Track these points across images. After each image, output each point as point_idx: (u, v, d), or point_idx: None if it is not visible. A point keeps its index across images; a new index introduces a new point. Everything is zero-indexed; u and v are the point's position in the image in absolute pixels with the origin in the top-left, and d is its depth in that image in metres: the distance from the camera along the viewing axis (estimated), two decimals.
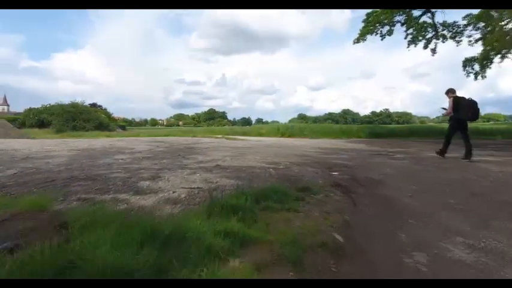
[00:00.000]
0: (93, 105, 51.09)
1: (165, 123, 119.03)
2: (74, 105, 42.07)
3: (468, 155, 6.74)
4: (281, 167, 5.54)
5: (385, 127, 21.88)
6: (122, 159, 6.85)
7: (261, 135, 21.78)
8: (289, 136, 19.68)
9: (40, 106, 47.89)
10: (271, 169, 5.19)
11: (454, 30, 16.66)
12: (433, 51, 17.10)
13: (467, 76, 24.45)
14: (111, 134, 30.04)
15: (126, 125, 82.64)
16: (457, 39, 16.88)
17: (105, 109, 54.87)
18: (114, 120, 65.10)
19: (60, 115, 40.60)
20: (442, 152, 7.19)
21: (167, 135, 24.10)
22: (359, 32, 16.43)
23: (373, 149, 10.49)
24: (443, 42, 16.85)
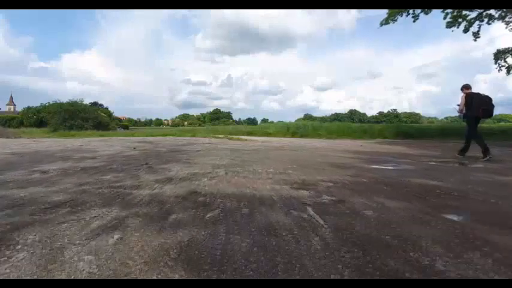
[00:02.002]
0: (94, 104, 48.65)
1: (170, 124, 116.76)
2: (72, 104, 39.55)
3: (486, 152, 6.14)
4: (326, 199, 2.58)
5: (412, 126, 18.72)
6: (44, 171, 3.99)
7: (268, 135, 18.86)
8: (301, 136, 16.72)
9: (39, 105, 45.64)
10: (308, 206, 2.26)
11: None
12: (476, 35, 14.04)
13: (499, 70, 21.36)
14: (106, 133, 27.27)
15: (130, 125, 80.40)
16: (507, 19, 13.77)
17: (107, 108, 52.41)
18: (115, 119, 62.95)
19: (58, 114, 38.19)
20: (462, 151, 6.69)
21: (165, 135, 21.38)
22: (388, 12, 13.44)
23: (427, 153, 7.49)
24: (489, 23, 13.77)
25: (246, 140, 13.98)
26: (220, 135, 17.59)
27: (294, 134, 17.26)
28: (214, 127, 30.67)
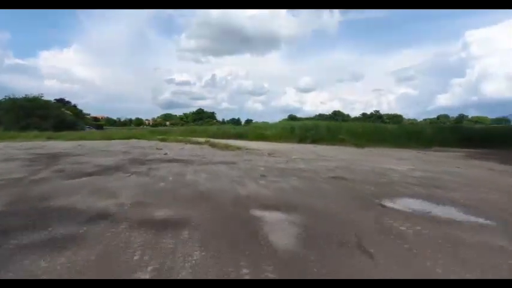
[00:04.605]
0: (60, 100, 41.53)
1: (151, 123, 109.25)
2: (29, 100, 32.67)
3: None
4: None
5: (472, 129, 13.39)
6: None
7: (264, 138, 13.50)
8: (313, 142, 11.43)
9: None
10: None
11: None
12: None
13: None
14: (58, 135, 20.77)
15: (107, 125, 72.82)
16: None
17: (75, 106, 45.30)
18: (88, 118, 55.86)
19: (11, 111, 31.25)
20: None
21: (129, 138, 15.65)
22: None
23: None
24: None
25: (239, 148, 8.57)
26: (200, 139, 12.09)
27: (302, 139, 11.92)
28: (194, 127, 24.83)
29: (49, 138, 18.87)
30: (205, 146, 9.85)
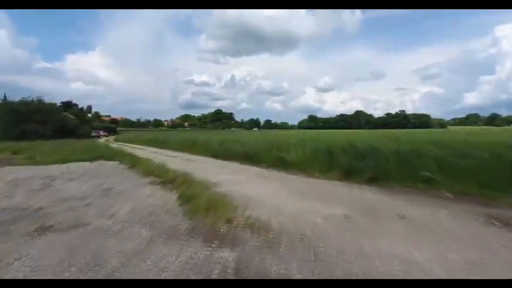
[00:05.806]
0: (66, 103, 38.19)
1: (170, 124, 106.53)
2: (25, 103, 29.35)
3: None
4: None
5: None
6: None
7: (285, 165, 8.66)
8: (370, 181, 6.27)
9: None
10: None
11: None
12: None
13: None
14: (24, 148, 16.75)
15: (126, 127, 70.03)
16: None
17: (82, 109, 41.93)
18: (104, 120, 52.94)
19: (6, 116, 27.94)
20: None
21: (97, 158, 11.30)
22: None
23: None
24: None
25: (229, 221, 3.57)
26: (182, 167, 7.08)
27: (348, 173, 6.85)
28: (195, 138, 19.94)
29: (14, 152, 14.92)
30: (173, 196, 5.05)
